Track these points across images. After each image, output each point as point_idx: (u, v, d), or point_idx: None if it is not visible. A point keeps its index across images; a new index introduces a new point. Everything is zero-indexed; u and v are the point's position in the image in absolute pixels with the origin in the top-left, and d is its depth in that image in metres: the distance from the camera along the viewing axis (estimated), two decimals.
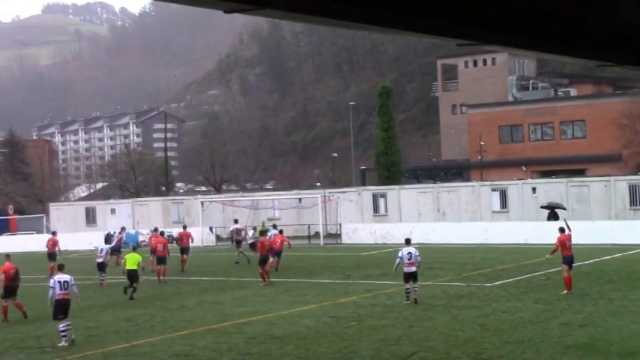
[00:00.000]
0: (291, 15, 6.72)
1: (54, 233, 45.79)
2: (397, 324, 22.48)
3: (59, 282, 21.72)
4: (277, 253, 36.70)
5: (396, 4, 6.53)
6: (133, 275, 31.04)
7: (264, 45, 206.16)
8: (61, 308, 21.47)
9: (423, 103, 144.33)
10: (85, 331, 23.25)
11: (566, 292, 26.57)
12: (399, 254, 26.49)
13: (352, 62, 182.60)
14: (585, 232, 45.60)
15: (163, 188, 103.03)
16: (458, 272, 34.67)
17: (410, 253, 26.10)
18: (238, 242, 44.15)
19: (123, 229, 48.34)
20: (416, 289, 26.12)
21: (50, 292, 21.83)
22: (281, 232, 40.23)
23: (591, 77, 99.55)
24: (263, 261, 33.25)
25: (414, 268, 25.95)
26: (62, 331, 21.18)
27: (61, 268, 22.65)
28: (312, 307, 26.43)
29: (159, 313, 26.47)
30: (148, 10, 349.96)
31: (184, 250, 41.10)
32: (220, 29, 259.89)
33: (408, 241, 27.19)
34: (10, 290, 26.25)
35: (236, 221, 47.82)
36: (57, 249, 42.51)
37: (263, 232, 42.59)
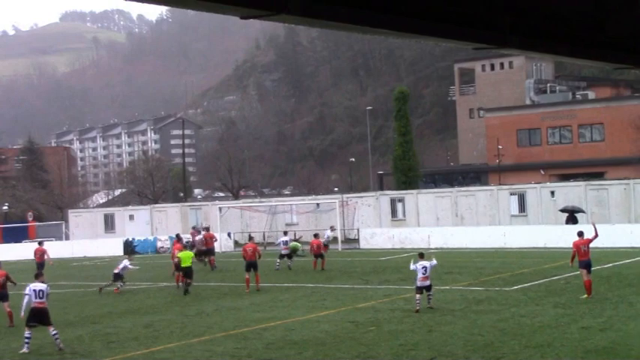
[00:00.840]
0: (306, 20, 6.73)
1: (40, 243, 45.14)
2: (416, 329, 22.44)
3: (35, 290, 21.86)
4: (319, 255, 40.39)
5: (412, 9, 6.53)
6: (188, 272, 33.00)
7: (280, 50, 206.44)
8: (35, 316, 21.61)
9: (440, 107, 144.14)
10: (104, 337, 23.33)
11: (586, 296, 26.42)
12: (413, 267, 26.39)
13: (369, 67, 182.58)
14: (605, 236, 45.21)
15: (181, 194, 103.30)
16: (476, 277, 34.56)
17: (425, 267, 26.07)
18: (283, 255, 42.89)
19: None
20: (430, 296, 26.14)
21: (25, 300, 22.02)
22: (316, 235, 42.57)
23: (609, 80, 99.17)
24: (249, 267, 33.23)
25: (428, 282, 26.01)
26: (26, 338, 21.40)
27: (37, 277, 22.76)
28: (330, 312, 26.41)
29: (178, 319, 26.51)
30: (165, 17, 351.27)
31: (210, 251, 41.82)
32: (237, 35, 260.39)
33: (421, 255, 26.91)
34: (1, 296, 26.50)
35: (285, 233, 46.68)
36: (46, 258, 41.94)
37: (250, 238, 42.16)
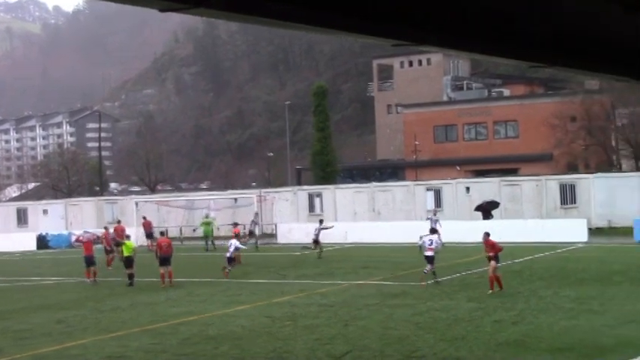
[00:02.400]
0: (226, 14, 6.69)
1: None
2: (332, 323, 22.55)
3: None
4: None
5: (332, 4, 6.55)
6: (129, 261, 33.64)
7: (199, 44, 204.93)
8: None
9: (359, 102, 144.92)
10: (14, 334, 22.91)
11: (491, 291, 26.89)
12: (422, 240, 30.50)
13: (288, 62, 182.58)
14: (517, 231, 46.34)
15: (97, 188, 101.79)
16: (392, 271, 34.87)
17: (431, 239, 30.15)
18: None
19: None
20: (433, 270, 29.62)
21: None
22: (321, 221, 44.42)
23: (524, 78, 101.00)
24: (163, 262, 33.10)
25: (431, 253, 29.66)
26: None
27: None
28: (247, 307, 26.38)
29: (92, 315, 26.17)
30: (81, 9, 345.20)
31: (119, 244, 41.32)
32: (155, 28, 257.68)
33: (432, 231, 32.01)
34: None
35: (321, 221, 46.44)
36: None
37: (162, 233, 41.98)
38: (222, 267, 35.24)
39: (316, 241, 42.99)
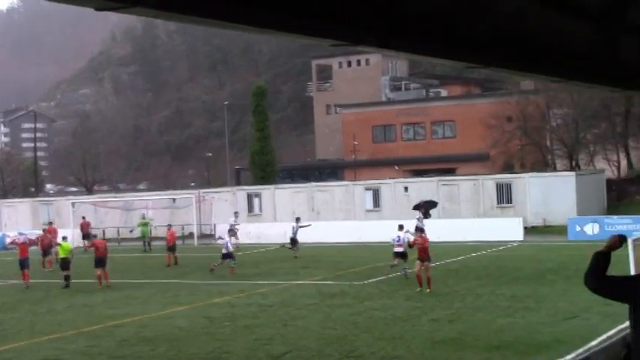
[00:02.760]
0: (163, 14, 6.63)
1: None
2: (271, 323, 22.54)
3: None
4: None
5: (270, 4, 6.54)
6: (65, 263, 33.31)
7: (137, 44, 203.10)
8: None
9: (298, 102, 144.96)
10: None
11: (420, 289, 27.16)
12: (394, 237, 31.42)
13: (227, 62, 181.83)
14: (455, 230, 46.84)
15: (32, 189, 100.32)
16: (331, 271, 34.97)
17: (399, 237, 31.06)
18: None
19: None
20: (405, 268, 30.43)
21: None
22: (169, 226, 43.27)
23: (461, 78, 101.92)
24: (99, 263, 32.86)
25: (401, 249, 30.67)
26: None
27: None
28: (185, 308, 26.23)
29: (27, 317, 25.79)
30: (16, 7, 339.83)
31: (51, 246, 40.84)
32: (92, 27, 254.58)
33: (400, 227, 32.14)
34: None
35: (298, 219, 45.81)
36: None
37: (95, 236, 41.63)
38: (215, 265, 35.72)
39: (294, 240, 42.76)
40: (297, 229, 43.14)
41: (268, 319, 23.20)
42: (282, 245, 44.19)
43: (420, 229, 33.50)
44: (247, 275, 34.69)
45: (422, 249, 27.94)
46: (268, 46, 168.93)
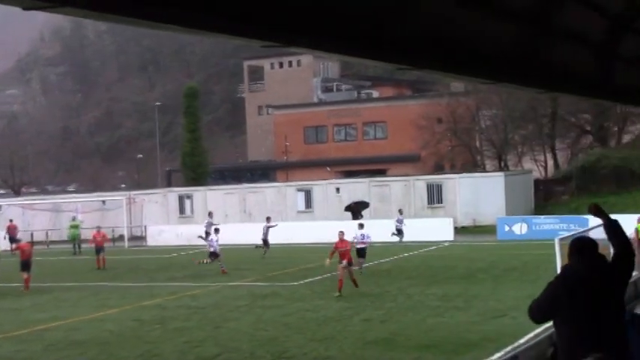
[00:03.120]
0: (93, 13, 6.54)
1: None
2: (202, 325, 22.41)
3: None
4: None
5: (200, 5, 6.50)
6: None
7: (66, 44, 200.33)
8: None
9: (230, 104, 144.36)
10: None
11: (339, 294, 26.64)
12: (355, 235, 32.77)
13: (158, 62, 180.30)
14: (386, 231, 47.08)
15: None
16: (263, 272, 34.91)
17: (362, 234, 33.00)
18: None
19: None
20: (363, 264, 32.11)
21: None
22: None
23: (392, 80, 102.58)
24: (25, 266, 32.43)
25: (363, 246, 32.45)
26: None
27: None
28: (115, 311, 25.92)
29: None
30: None
31: None
32: (20, 27, 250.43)
33: (361, 226, 34.48)
34: None
35: (268, 219, 45.39)
36: None
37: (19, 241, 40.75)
38: (202, 261, 35.90)
39: (265, 241, 42.23)
40: (267, 229, 42.83)
41: (199, 322, 23.06)
42: (256, 246, 43.36)
43: (362, 226, 34.88)
44: (178, 277, 34.45)
45: (344, 252, 27.56)
46: (200, 47, 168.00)
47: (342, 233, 28.63)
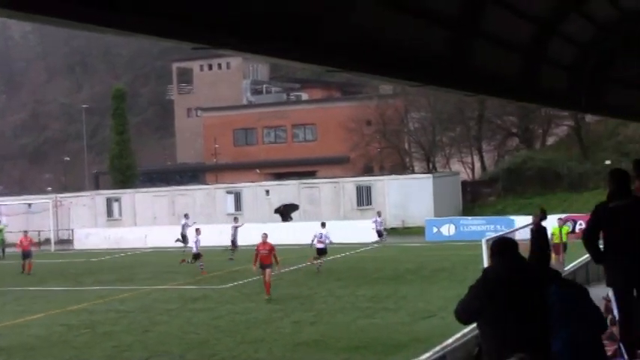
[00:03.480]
0: (13, 13, 6.44)
1: None
2: (131, 329, 22.18)
3: None
4: None
5: (128, 6, 6.43)
6: None
7: None
8: None
9: (159, 106, 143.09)
10: None
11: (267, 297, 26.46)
12: (316, 234, 34.28)
13: (85, 64, 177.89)
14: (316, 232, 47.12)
15: None
16: (193, 275, 34.66)
17: (321, 234, 34.10)
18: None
19: None
20: (321, 263, 33.25)
21: None
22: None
23: (321, 82, 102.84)
24: None
25: (323, 245, 33.65)
26: None
27: None
28: (41, 315, 25.49)
29: None
30: None
31: None
32: None
33: (323, 224, 35.87)
34: None
35: (236, 219, 44.35)
36: None
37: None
38: (183, 260, 35.58)
39: (234, 242, 41.43)
40: (235, 230, 42.18)
41: (128, 326, 22.82)
42: (225, 249, 42.46)
43: (324, 225, 35.97)
44: (106, 281, 34.04)
45: (266, 256, 27.13)
46: (127, 49, 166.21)
47: (265, 235, 28.25)
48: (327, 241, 34.56)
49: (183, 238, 43.85)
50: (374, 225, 44.83)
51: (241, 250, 41.16)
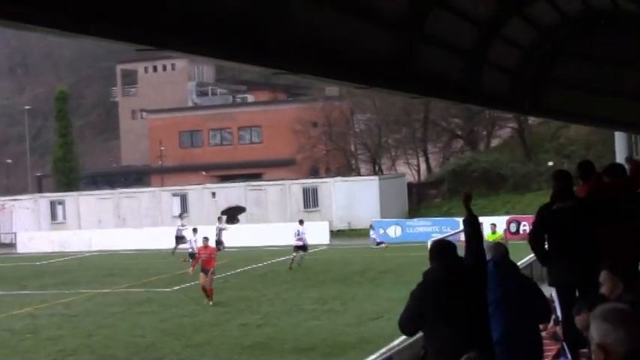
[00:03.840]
0: None
1: None
2: (76, 334, 21.95)
3: None
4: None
5: (69, 6, 6.38)
6: None
7: None
8: None
9: (103, 108, 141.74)
10: None
11: (209, 302, 25.74)
12: (295, 231, 36.39)
13: (27, 65, 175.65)
14: (263, 235, 47.15)
15: None
16: (138, 278, 34.42)
17: (298, 230, 36.31)
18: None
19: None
20: (304, 256, 35.91)
21: None
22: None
23: (267, 84, 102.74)
24: None
25: (301, 243, 36.00)
26: None
27: None
28: None
29: None
30: None
31: None
32: None
33: (301, 222, 37.70)
34: None
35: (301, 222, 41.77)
36: None
37: None
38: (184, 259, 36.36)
39: (220, 242, 40.20)
40: (219, 230, 41.24)
41: (73, 330, 22.58)
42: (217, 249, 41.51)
43: (302, 222, 37.41)
44: (50, 285, 33.62)
45: (207, 260, 26.41)
46: (71, 50, 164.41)
47: (206, 240, 27.59)
48: (302, 237, 36.51)
49: (181, 240, 42.43)
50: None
51: (186, 253, 40.93)
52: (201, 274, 26.30)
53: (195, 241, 35.85)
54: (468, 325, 7.08)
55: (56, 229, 57.21)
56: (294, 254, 35.81)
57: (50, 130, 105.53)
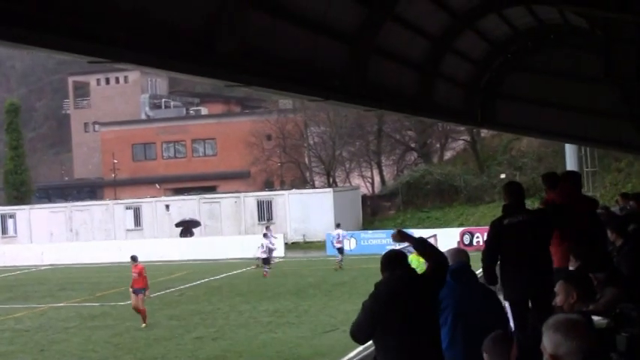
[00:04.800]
0: None
1: None
2: (27, 349, 21.69)
3: None
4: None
5: (22, 19, 6.33)
6: None
7: None
8: None
9: (55, 120, 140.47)
10: None
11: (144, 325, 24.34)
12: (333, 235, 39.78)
13: None
14: (217, 247, 46.97)
15: None
16: (92, 292, 34.10)
17: (339, 234, 39.67)
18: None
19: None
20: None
21: None
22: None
23: (221, 97, 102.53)
24: None
25: (340, 245, 39.23)
26: None
27: None
28: None
29: None
30: None
31: None
32: None
33: (338, 225, 41.27)
34: None
35: (267, 228, 41.32)
36: None
37: None
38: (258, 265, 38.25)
39: (268, 260, 38.20)
40: (269, 250, 38.53)
41: (24, 345, 22.30)
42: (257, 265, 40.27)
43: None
44: (0, 299, 33.16)
45: (136, 280, 25.03)
46: (21, 62, 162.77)
47: (134, 257, 25.99)
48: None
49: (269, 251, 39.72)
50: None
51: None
52: (132, 294, 25.01)
53: (265, 246, 37.72)
54: (420, 336, 7.11)
55: (7, 242, 56.49)
56: (340, 256, 38.61)
57: (1, 143, 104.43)
